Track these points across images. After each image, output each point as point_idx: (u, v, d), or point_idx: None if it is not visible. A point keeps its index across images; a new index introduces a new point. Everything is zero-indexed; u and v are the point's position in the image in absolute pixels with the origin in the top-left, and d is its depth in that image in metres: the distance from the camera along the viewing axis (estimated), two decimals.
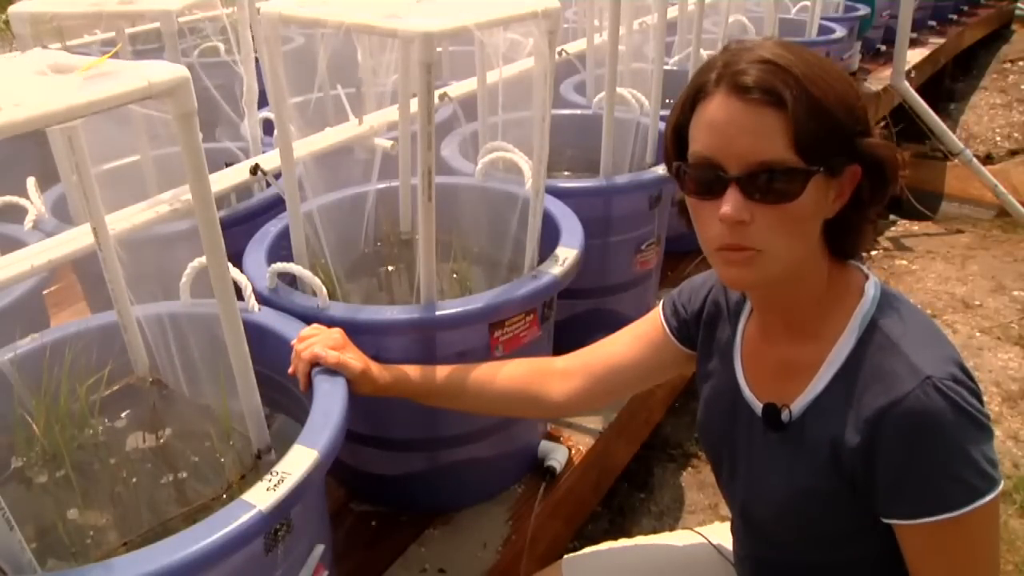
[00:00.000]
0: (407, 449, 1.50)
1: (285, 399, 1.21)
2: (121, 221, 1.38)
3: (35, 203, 1.67)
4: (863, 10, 4.26)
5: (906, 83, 4.16)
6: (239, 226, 1.64)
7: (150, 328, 1.24)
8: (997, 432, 2.39)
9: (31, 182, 1.71)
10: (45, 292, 1.61)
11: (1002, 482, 0.82)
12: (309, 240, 1.47)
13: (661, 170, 1.91)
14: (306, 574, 1.02)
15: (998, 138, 5.19)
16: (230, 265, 1.00)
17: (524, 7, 1.25)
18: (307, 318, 1.25)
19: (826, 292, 0.91)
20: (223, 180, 1.61)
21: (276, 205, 1.69)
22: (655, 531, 1.84)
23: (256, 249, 1.47)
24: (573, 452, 1.71)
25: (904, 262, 3.80)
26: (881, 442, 0.83)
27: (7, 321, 1.38)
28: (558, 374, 1.19)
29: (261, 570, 0.95)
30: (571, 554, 1.30)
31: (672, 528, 2.07)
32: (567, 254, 1.44)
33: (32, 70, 0.84)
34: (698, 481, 2.31)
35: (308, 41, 1.82)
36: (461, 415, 1.33)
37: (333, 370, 1.11)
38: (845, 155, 0.83)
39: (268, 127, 1.66)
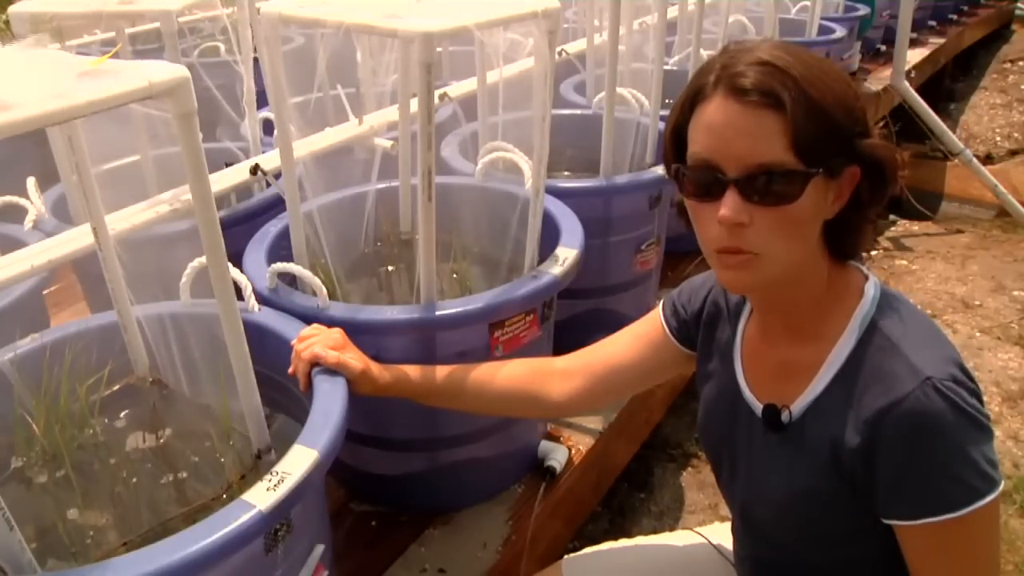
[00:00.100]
0: (407, 449, 1.50)
1: (285, 399, 1.21)
2: (121, 221, 1.38)
3: (35, 203, 1.67)
4: (863, 10, 4.26)
5: (906, 83, 4.16)
6: (239, 226, 1.64)
7: (150, 328, 1.24)
8: (997, 432, 2.39)
9: (31, 182, 1.71)
10: (45, 292, 1.61)
11: (1002, 482, 0.82)
12: (309, 240, 1.47)
13: (661, 170, 1.91)
14: (306, 574, 1.02)
15: (998, 138, 5.19)
16: (230, 265, 1.00)
17: (524, 7, 1.25)
18: (307, 318, 1.25)
19: (826, 293, 0.91)
20: (223, 180, 1.61)
21: (276, 205, 1.69)
22: (655, 531, 1.84)
23: (256, 249, 1.47)
24: (573, 452, 1.71)
25: (904, 262, 3.80)
26: (881, 443, 0.83)
27: (7, 321, 1.38)
28: (558, 374, 1.19)
29: (261, 570, 0.95)
30: (571, 554, 1.30)
31: (672, 528, 2.07)
32: (567, 254, 1.44)
33: (32, 70, 0.84)
34: (698, 481, 2.31)
35: (308, 41, 1.82)
36: (461, 415, 1.33)
37: (333, 370, 1.11)
38: (844, 156, 0.83)
39: (268, 127, 1.66)
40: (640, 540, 1.33)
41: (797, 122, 0.79)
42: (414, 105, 1.24)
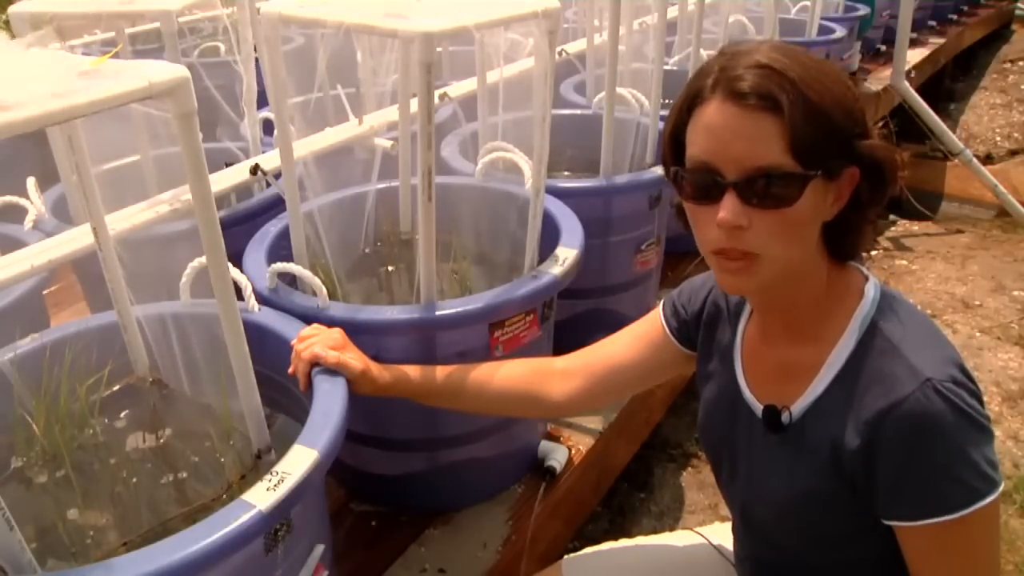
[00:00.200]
0: (407, 449, 1.50)
1: (285, 399, 1.21)
2: (121, 221, 1.38)
3: (35, 203, 1.67)
4: (863, 10, 4.26)
5: (906, 83, 4.16)
6: (239, 226, 1.64)
7: (150, 328, 1.24)
8: (997, 432, 2.39)
9: (31, 182, 1.71)
10: (45, 292, 1.61)
11: (1002, 483, 0.82)
12: (309, 240, 1.47)
13: (661, 170, 1.90)
14: (306, 574, 1.02)
15: (998, 138, 5.19)
16: (230, 265, 1.00)
17: (524, 7, 1.25)
18: (307, 318, 1.25)
19: (826, 294, 0.91)
20: (223, 180, 1.61)
21: (276, 205, 1.69)
22: (655, 531, 1.84)
23: (256, 249, 1.47)
24: (573, 452, 1.71)
25: (904, 262, 3.80)
26: (881, 444, 0.83)
27: (7, 321, 1.38)
28: (558, 374, 1.19)
29: (261, 570, 0.95)
30: (571, 554, 1.30)
31: (672, 528, 2.07)
32: (567, 254, 1.44)
33: (32, 70, 0.84)
34: (698, 481, 2.31)
35: (308, 41, 1.82)
36: (461, 415, 1.33)
37: (333, 370, 1.11)
38: (843, 157, 0.83)
39: (268, 127, 1.66)
40: (640, 540, 1.33)
41: (795, 125, 0.79)
42: (414, 105, 1.24)
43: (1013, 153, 5.01)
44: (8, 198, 1.69)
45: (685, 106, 0.87)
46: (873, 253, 3.88)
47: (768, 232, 0.83)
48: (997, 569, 0.87)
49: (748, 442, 0.99)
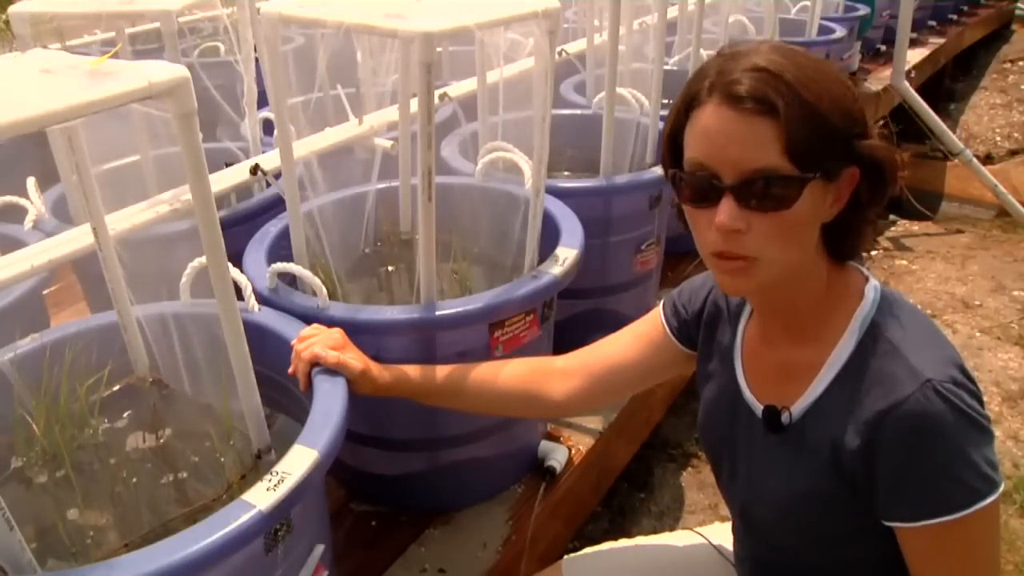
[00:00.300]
0: (407, 449, 1.50)
1: (285, 399, 1.21)
2: (121, 221, 1.38)
3: (35, 203, 1.67)
4: (863, 10, 4.26)
5: (906, 83, 4.16)
6: (239, 226, 1.64)
7: (150, 328, 1.24)
8: (997, 432, 2.39)
9: (31, 182, 1.71)
10: (45, 292, 1.61)
11: (1003, 484, 0.82)
12: (309, 240, 1.47)
13: (661, 170, 1.90)
14: (306, 574, 1.02)
15: (998, 138, 5.19)
16: (230, 265, 1.00)
17: (524, 7, 1.25)
18: (307, 318, 1.25)
19: (825, 295, 0.91)
20: (223, 180, 1.61)
21: (276, 205, 1.69)
22: (655, 531, 1.84)
23: (256, 249, 1.47)
24: (573, 452, 1.71)
25: (904, 262, 3.80)
26: (881, 444, 0.83)
27: (7, 321, 1.38)
28: (558, 374, 1.19)
29: (261, 570, 0.95)
30: (571, 554, 1.30)
31: (672, 528, 2.07)
32: (567, 254, 1.44)
33: (33, 70, 0.84)
34: (698, 481, 2.31)
35: (308, 41, 1.82)
36: (461, 415, 1.33)
37: (333, 370, 1.11)
38: (842, 158, 0.83)
39: (268, 127, 1.66)
40: (640, 540, 1.33)
41: (792, 128, 0.79)
42: (414, 105, 1.24)
43: (1013, 153, 5.01)
44: (8, 198, 1.69)
45: (683, 108, 0.87)
46: (873, 253, 3.88)
47: (766, 235, 0.83)
48: (997, 569, 0.87)
49: (748, 442, 0.99)
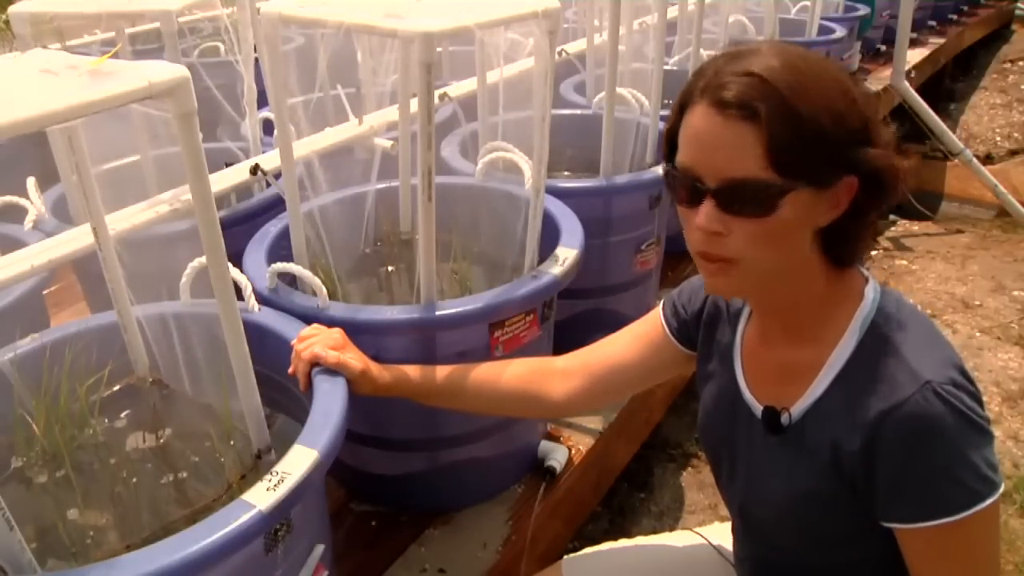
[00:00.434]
0: (407, 449, 1.50)
1: (285, 399, 1.21)
2: (121, 221, 1.38)
3: (35, 203, 1.67)
4: (863, 10, 4.26)
5: (906, 83, 4.16)
6: (239, 226, 1.64)
7: (150, 328, 1.24)
8: (997, 432, 2.39)
9: (31, 182, 1.71)
10: (45, 292, 1.61)
11: (1002, 485, 0.82)
12: (309, 240, 1.47)
13: (661, 170, 1.91)
14: (306, 574, 1.02)
15: (998, 138, 5.19)
16: (230, 265, 1.00)
17: (524, 7, 1.25)
18: (307, 318, 1.25)
19: (824, 296, 0.90)
20: (223, 180, 1.61)
21: (276, 205, 1.69)
22: (655, 531, 1.84)
23: (256, 249, 1.47)
24: (573, 452, 1.71)
25: (904, 262, 3.80)
26: (881, 446, 0.83)
27: (7, 321, 1.38)
28: (558, 374, 1.19)
29: (261, 570, 0.95)
30: (571, 554, 1.30)
31: (672, 528, 2.07)
32: (567, 254, 1.44)
33: (33, 70, 0.84)
34: (698, 481, 2.31)
35: (308, 41, 1.82)
36: (461, 415, 1.33)
37: (333, 370, 1.11)
38: (836, 167, 0.82)
39: (268, 127, 1.66)
40: (640, 540, 1.33)
41: (775, 137, 0.78)
42: (414, 105, 1.24)
43: (1013, 153, 5.01)
44: (8, 198, 1.69)
45: (678, 107, 0.87)
46: (873, 253, 3.88)
47: (745, 239, 0.83)
48: (997, 570, 0.87)
49: (748, 443, 0.99)
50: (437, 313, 1.28)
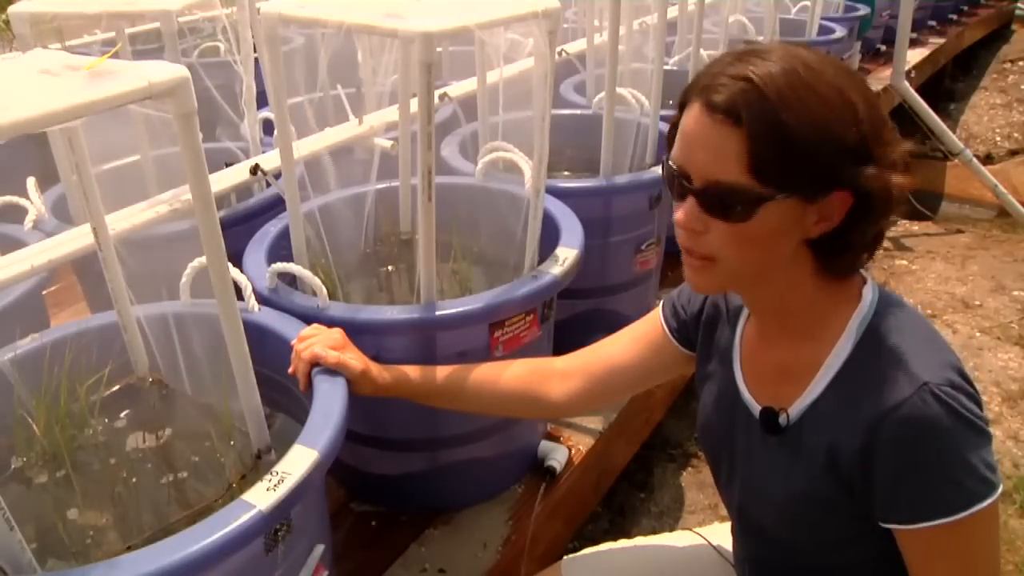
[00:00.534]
0: (407, 449, 1.50)
1: (285, 399, 1.21)
2: (121, 221, 1.38)
3: (35, 203, 1.67)
4: (863, 10, 4.26)
5: (906, 83, 4.16)
6: (239, 226, 1.64)
7: (150, 328, 1.24)
8: (997, 432, 2.38)
9: (31, 182, 1.71)
10: (45, 292, 1.61)
11: (1001, 486, 0.82)
12: (309, 240, 1.47)
13: (660, 170, 1.90)
14: (306, 574, 1.02)
15: (998, 138, 5.19)
16: (230, 265, 1.00)
17: (524, 7, 1.25)
18: (307, 318, 1.25)
19: (815, 299, 0.90)
20: (223, 180, 1.61)
21: (276, 205, 1.69)
22: (655, 531, 1.84)
23: (256, 249, 1.47)
24: (573, 452, 1.71)
25: (904, 262, 3.80)
26: (878, 447, 0.83)
27: (7, 321, 1.38)
28: (558, 375, 1.19)
29: (261, 570, 0.95)
30: (571, 554, 1.30)
31: (672, 528, 2.07)
32: (567, 254, 1.44)
33: (33, 70, 0.84)
34: (698, 481, 2.31)
35: (308, 41, 1.82)
36: (461, 415, 1.33)
37: (333, 370, 1.11)
38: (827, 181, 0.81)
39: (268, 127, 1.66)
40: (640, 540, 1.33)
41: (757, 145, 0.78)
42: (414, 105, 1.24)
43: (1013, 153, 5.01)
44: (8, 198, 1.69)
45: (680, 103, 0.87)
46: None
47: (722, 241, 0.84)
48: (997, 570, 0.87)
49: (746, 444, 0.99)
50: (437, 313, 1.29)
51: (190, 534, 0.84)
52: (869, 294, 0.90)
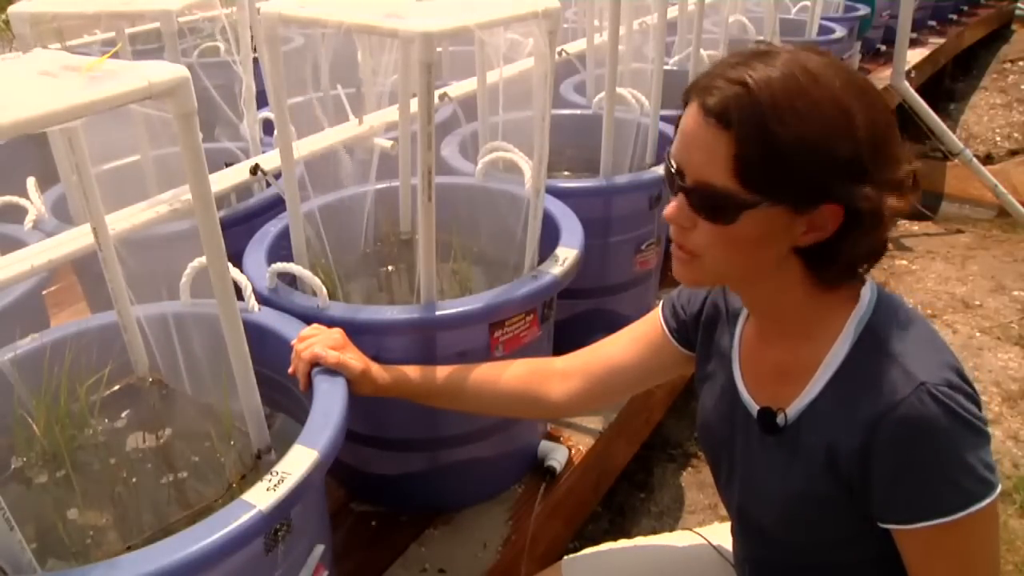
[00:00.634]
0: (407, 449, 1.50)
1: (285, 399, 1.21)
2: (121, 221, 1.38)
3: (35, 203, 1.67)
4: (863, 10, 4.26)
5: (906, 83, 4.16)
6: (239, 226, 1.64)
7: (150, 328, 1.24)
8: (997, 432, 2.38)
9: (31, 182, 1.71)
10: (45, 292, 1.61)
11: (999, 486, 0.82)
12: (309, 240, 1.47)
13: (661, 170, 1.91)
14: (306, 574, 1.02)
15: (998, 138, 5.19)
16: (230, 265, 1.00)
17: (524, 7, 1.25)
18: (307, 318, 1.25)
19: (808, 301, 0.90)
20: (223, 180, 1.61)
21: (276, 205, 1.69)
22: (655, 531, 1.84)
23: (256, 249, 1.47)
24: (573, 452, 1.71)
25: (904, 262, 3.80)
26: (876, 447, 0.83)
27: (7, 321, 1.38)
28: (558, 375, 1.19)
29: (261, 570, 0.95)
30: (571, 554, 1.30)
31: (672, 528, 2.07)
32: (567, 254, 1.44)
33: (33, 70, 0.84)
34: (698, 481, 2.31)
35: (308, 41, 1.82)
36: (461, 415, 1.33)
37: (333, 370, 1.12)
38: (816, 194, 0.80)
39: (268, 127, 1.66)
40: (640, 540, 1.33)
41: (745, 151, 0.78)
42: (414, 105, 1.24)
43: (1013, 153, 5.01)
44: (8, 198, 1.69)
45: (683, 100, 0.88)
46: None
47: (707, 240, 0.85)
48: (997, 570, 0.87)
49: (745, 444, 0.99)
50: (437, 313, 1.29)
51: (190, 534, 0.84)
52: (867, 294, 0.90)
